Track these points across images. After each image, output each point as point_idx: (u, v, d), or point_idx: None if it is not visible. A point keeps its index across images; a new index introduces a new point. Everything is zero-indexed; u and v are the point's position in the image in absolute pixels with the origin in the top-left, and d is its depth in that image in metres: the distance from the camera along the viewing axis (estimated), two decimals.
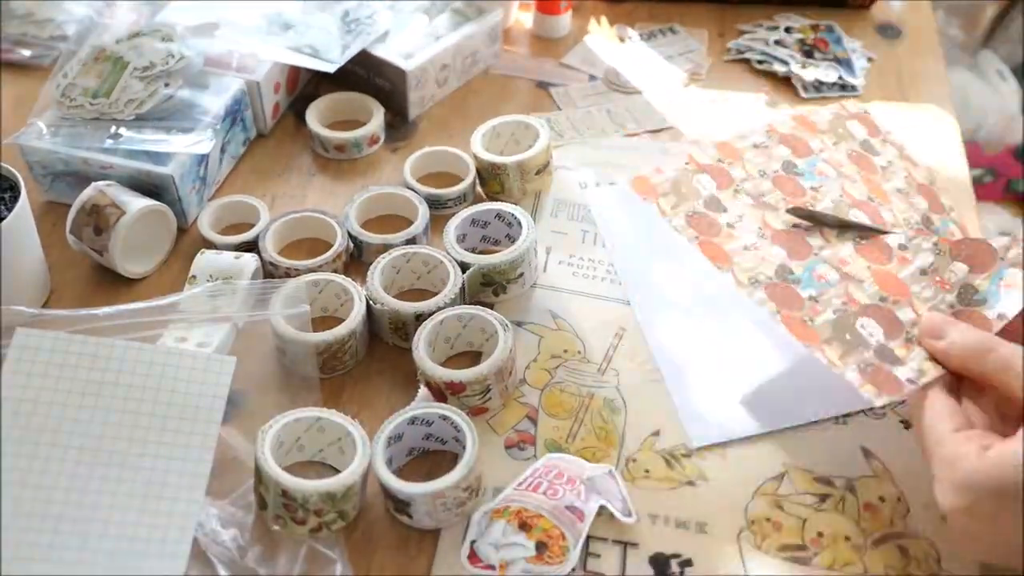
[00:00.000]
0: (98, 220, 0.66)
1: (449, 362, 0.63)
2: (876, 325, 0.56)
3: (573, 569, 0.52)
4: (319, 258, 0.67)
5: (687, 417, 0.60)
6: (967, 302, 0.56)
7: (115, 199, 0.66)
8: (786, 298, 0.58)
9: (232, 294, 0.62)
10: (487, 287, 0.66)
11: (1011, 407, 0.49)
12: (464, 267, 0.65)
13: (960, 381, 0.52)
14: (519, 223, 0.67)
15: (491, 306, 0.64)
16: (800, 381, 0.61)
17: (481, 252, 0.67)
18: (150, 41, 0.74)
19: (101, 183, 0.67)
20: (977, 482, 0.45)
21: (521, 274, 0.66)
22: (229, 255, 0.66)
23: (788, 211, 0.64)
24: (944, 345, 0.51)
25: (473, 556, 0.53)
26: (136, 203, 0.66)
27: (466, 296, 0.65)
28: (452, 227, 0.68)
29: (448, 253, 0.66)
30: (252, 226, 0.70)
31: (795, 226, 0.63)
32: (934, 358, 0.53)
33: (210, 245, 0.69)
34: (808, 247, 0.61)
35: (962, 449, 0.46)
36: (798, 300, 0.58)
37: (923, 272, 0.58)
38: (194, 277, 0.64)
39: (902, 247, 0.60)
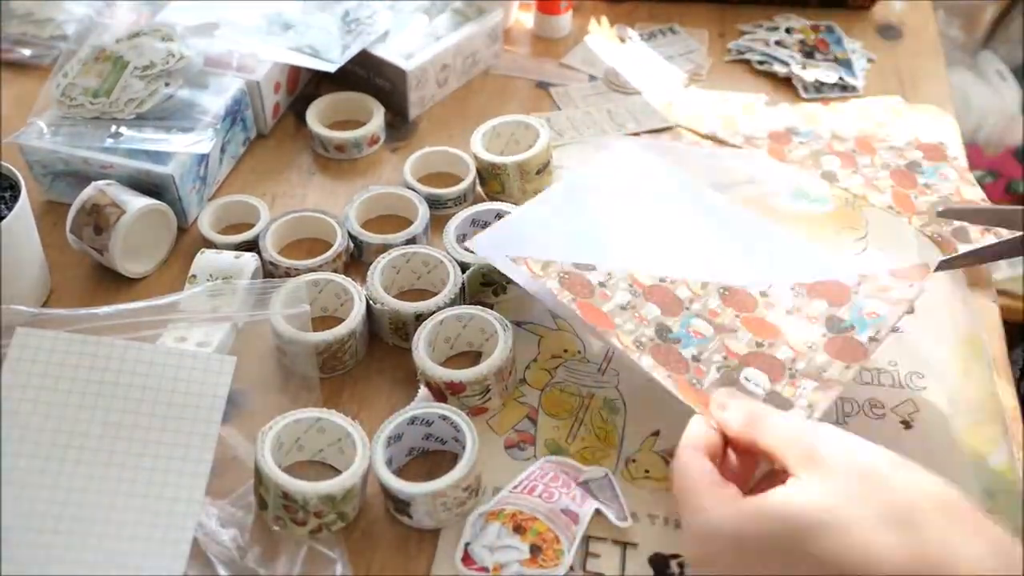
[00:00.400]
0: (98, 219, 0.66)
1: (449, 362, 0.63)
2: (759, 373, 0.56)
3: (572, 569, 0.52)
4: (319, 258, 0.67)
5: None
6: (837, 330, 0.57)
7: (115, 198, 0.66)
8: (672, 362, 0.57)
9: (232, 294, 0.62)
10: (487, 287, 0.66)
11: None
12: (464, 267, 0.65)
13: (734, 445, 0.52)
14: (502, 214, 0.68)
15: (491, 306, 0.64)
16: None
17: None
18: (150, 41, 0.74)
19: (101, 182, 0.67)
20: (716, 531, 0.46)
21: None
22: (229, 255, 0.66)
23: (939, 214, 0.66)
24: (726, 415, 0.52)
25: (467, 558, 0.53)
26: (136, 202, 0.66)
27: (466, 296, 0.65)
28: (452, 227, 0.68)
29: (448, 253, 0.66)
30: (252, 226, 0.70)
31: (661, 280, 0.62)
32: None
33: (210, 245, 0.69)
34: (679, 301, 0.60)
35: (717, 501, 0.47)
36: (682, 362, 0.57)
37: (788, 312, 0.59)
38: (194, 276, 0.64)
39: (763, 294, 0.60)
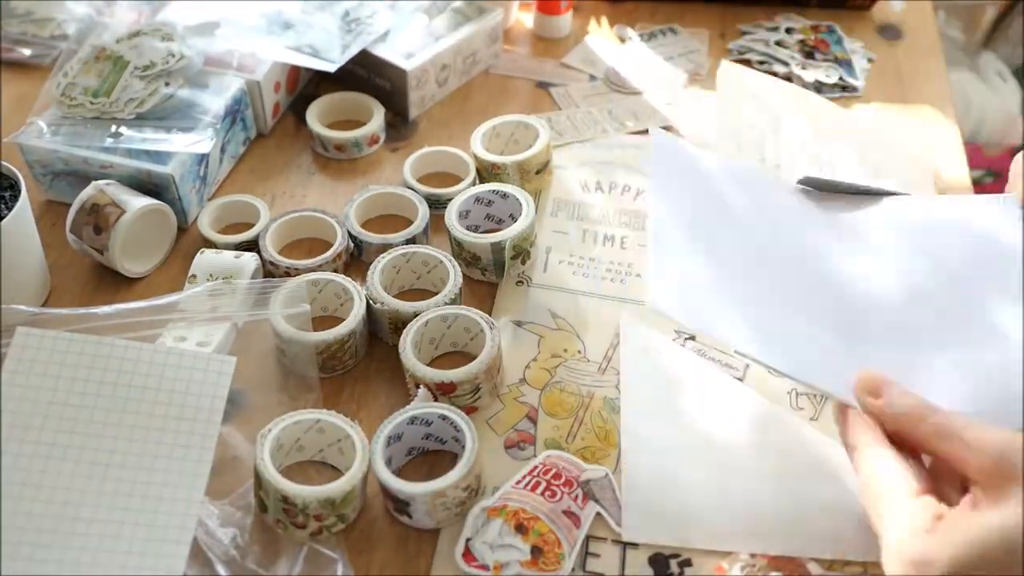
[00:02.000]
0: (98, 219, 0.65)
1: (434, 363, 0.63)
2: None
3: (573, 569, 0.52)
4: (319, 257, 0.67)
5: (630, 504, 0.55)
6: None
7: (115, 198, 0.66)
8: None
9: (232, 293, 0.62)
10: (516, 258, 0.68)
11: (942, 472, 0.48)
12: (496, 246, 0.66)
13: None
14: (507, 193, 0.70)
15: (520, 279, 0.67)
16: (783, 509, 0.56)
17: (485, 231, 0.69)
18: (150, 40, 0.74)
19: (101, 182, 0.67)
20: (929, 559, 0.43)
21: (536, 238, 0.70)
22: (229, 254, 0.66)
23: (799, 182, 0.62)
24: (881, 404, 0.49)
25: (468, 554, 0.53)
26: (136, 202, 0.66)
27: (504, 270, 0.67)
28: (455, 206, 0.69)
29: (449, 232, 0.67)
30: (252, 225, 0.70)
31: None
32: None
33: (210, 244, 0.69)
34: None
35: (916, 520, 0.45)
36: None
37: None
38: (194, 276, 0.64)
39: None
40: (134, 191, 0.68)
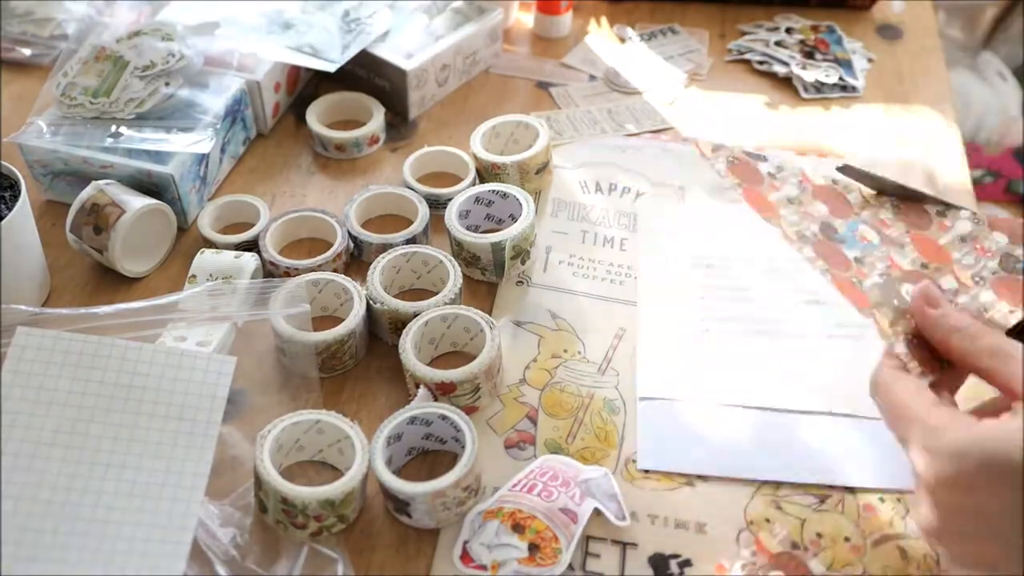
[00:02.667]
0: (98, 219, 0.66)
1: (434, 363, 0.63)
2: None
3: (572, 568, 0.53)
4: (319, 257, 0.67)
5: (644, 437, 0.59)
6: (1010, 269, 0.55)
7: (115, 198, 0.66)
8: (833, 258, 0.57)
9: (232, 293, 0.62)
10: (515, 259, 0.68)
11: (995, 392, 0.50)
12: (496, 246, 0.66)
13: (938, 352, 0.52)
14: (507, 193, 0.70)
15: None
16: (781, 438, 0.59)
17: (485, 231, 0.69)
18: (150, 40, 0.74)
19: (101, 182, 0.67)
20: (968, 449, 0.45)
21: (535, 238, 0.70)
22: (229, 254, 0.66)
23: (838, 169, 0.63)
24: (938, 314, 0.51)
25: (465, 556, 0.53)
26: (136, 202, 0.66)
27: (504, 270, 0.67)
28: (455, 206, 0.69)
29: (449, 232, 0.67)
30: (252, 225, 0.70)
31: (835, 182, 0.61)
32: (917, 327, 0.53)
33: (210, 244, 0.69)
34: (848, 206, 0.59)
35: (951, 420, 0.46)
36: (845, 261, 0.56)
37: (963, 239, 0.57)
38: (194, 276, 0.64)
39: (940, 213, 0.58)
40: (134, 191, 0.68)
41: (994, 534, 0.45)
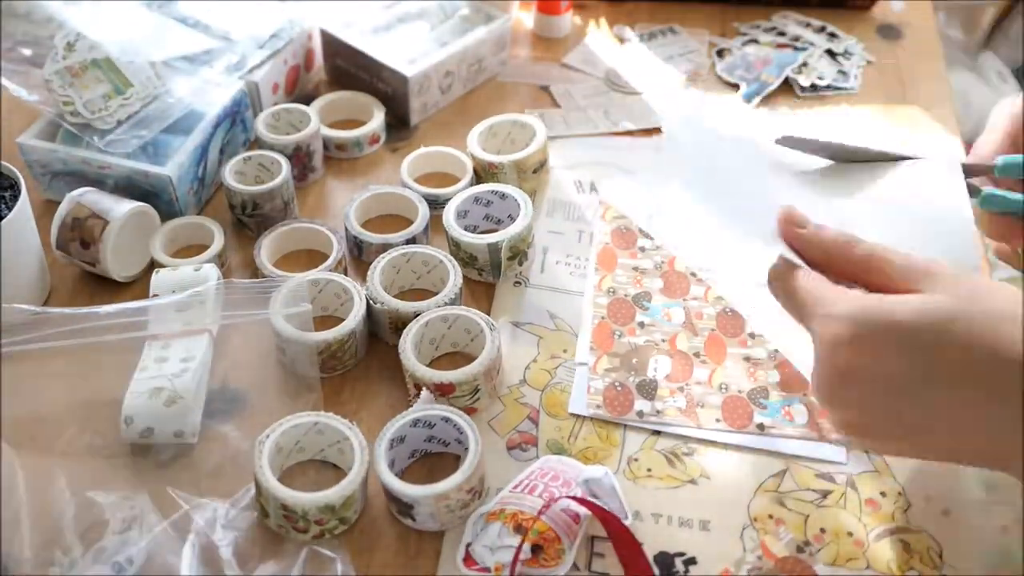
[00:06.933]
0: (83, 233, 0.65)
1: (434, 363, 0.63)
2: None
3: (577, 568, 0.52)
4: (315, 271, 0.66)
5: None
6: None
7: (94, 208, 0.65)
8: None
9: (201, 305, 0.60)
10: (512, 259, 0.67)
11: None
12: (492, 246, 0.65)
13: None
14: (506, 194, 0.69)
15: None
16: None
17: (484, 231, 0.69)
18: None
19: (75, 193, 0.66)
20: (867, 312, 0.46)
21: (533, 239, 0.70)
22: (187, 268, 0.64)
23: (777, 141, 0.63)
24: (808, 233, 0.52)
25: (468, 559, 0.52)
26: (116, 209, 0.65)
27: (500, 271, 0.67)
28: (453, 205, 0.69)
29: (447, 233, 0.67)
30: (206, 248, 0.68)
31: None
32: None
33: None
34: None
35: (848, 293, 0.47)
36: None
37: None
38: (156, 296, 0.62)
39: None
40: (111, 195, 0.67)
41: (879, 399, 0.46)
